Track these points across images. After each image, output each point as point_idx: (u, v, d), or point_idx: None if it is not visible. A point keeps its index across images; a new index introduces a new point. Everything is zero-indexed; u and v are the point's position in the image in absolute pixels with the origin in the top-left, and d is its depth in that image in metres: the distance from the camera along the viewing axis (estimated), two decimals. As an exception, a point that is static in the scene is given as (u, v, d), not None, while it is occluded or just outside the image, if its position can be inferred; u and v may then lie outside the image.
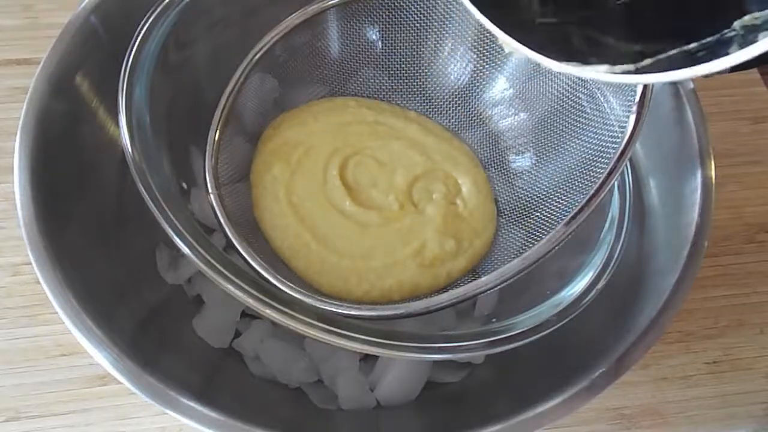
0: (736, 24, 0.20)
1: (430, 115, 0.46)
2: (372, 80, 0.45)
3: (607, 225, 0.34)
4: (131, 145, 0.32)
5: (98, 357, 0.29)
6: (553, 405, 0.29)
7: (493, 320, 0.38)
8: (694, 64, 0.20)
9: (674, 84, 0.36)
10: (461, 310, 0.40)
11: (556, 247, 0.31)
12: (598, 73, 0.22)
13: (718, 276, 0.46)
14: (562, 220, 0.32)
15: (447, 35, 0.43)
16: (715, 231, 0.33)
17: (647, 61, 0.22)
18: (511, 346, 0.29)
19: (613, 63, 0.22)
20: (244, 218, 0.40)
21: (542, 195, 0.39)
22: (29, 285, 0.42)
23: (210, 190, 0.37)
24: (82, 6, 0.36)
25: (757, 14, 0.20)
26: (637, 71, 0.22)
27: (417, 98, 0.45)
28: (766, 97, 0.53)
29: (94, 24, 0.36)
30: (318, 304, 0.31)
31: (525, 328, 0.30)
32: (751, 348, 0.44)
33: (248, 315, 0.39)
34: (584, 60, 0.23)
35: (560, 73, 0.38)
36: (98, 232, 0.35)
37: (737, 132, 0.51)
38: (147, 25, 0.34)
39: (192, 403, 0.28)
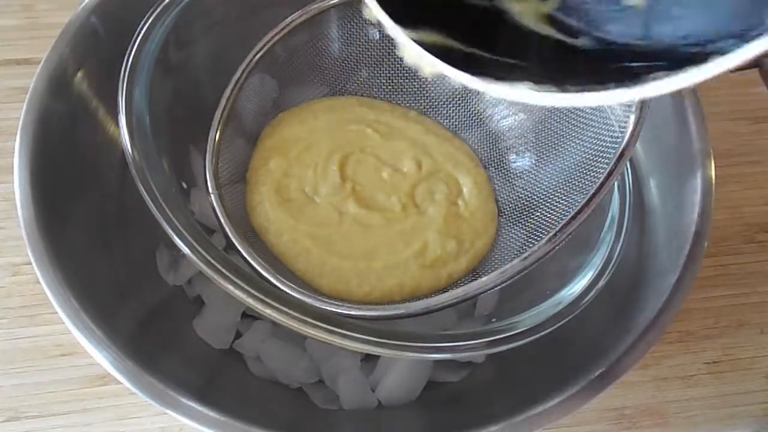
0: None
1: (430, 115, 0.46)
2: (372, 80, 0.45)
3: (606, 225, 0.34)
4: (131, 146, 0.32)
5: (98, 357, 0.29)
6: (553, 405, 0.29)
7: (493, 320, 0.38)
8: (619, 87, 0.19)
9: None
10: (462, 309, 0.40)
11: (557, 247, 0.31)
12: (520, 91, 0.22)
13: (718, 276, 0.46)
14: (562, 220, 0.32)
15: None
16: (715, 231, 0.33)
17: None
18: (511, 345, 0.29)
19: (537, 83, 0.22)
20: (244, 219, 0.40)
21: (542, 195, 0.39)
22: (29, 285, 0.42)
23: (210, 191, 0.37)
24: (82, 6, 0.36)
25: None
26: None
27: (417, 98, 0.45)
28: (766, 97, 0.53)
29: (94, 24, 0.36)
30: (318, 304, 0.31)
31: (525, 328, 0.30)
32: (751, 348, 0.44)
33: (249, 316, 0.39)
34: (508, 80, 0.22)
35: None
36: (98, 233, 0.35)
37: (737, 132, 0.51)
38: (147, 25, 0.34)
39: (192, 403, 0.28)
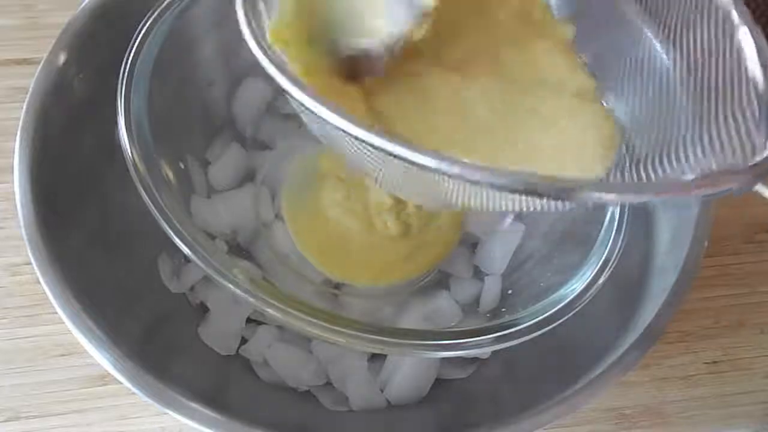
0: None
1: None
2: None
3: (606, 223, 0.34)
4: (131, 148, 0.32)
5: (98, 357, 0.29)
6: (553, 404, 0.29)
7: (488, 315, 0.39)
8: None
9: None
10: (466, 305, 0.41)
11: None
12: None
13: (718, 276, 0.46)
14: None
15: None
16: (715, 231, 0.33)
17: None
18: (519, 341, 0.29)
19: None
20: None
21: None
22: (29, 285, 0.42)
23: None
24: (82, 6, 0.36)
25: None
26: None
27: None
28: (765, 97, 0.53)
29: (94, 24, 0.36)
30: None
31: (529, 323, 0.30)
32: (751, 348, 0.44)
33: (254, 321, 0.39)
34: None
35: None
36: (99, 234, 0.35)
37: (737, 132, 0.51)
38: (147, 25, 0.34)
39: (193, 404, 0.28)
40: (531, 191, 0.20)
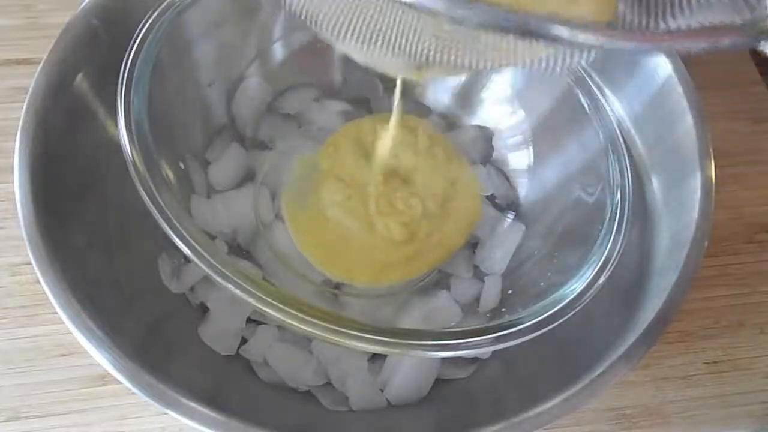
0: None
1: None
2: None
3: (606, 223, 0.34)
4: (130, 147, 0.32)
5: (98, 357, 0.29)
6: (552, 404, 0.29)
7: (488, 315, 0.38)
8: None
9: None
10: (466, 305, 0.41)
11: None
12: None
13: (718, 276, 0.46)
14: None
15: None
16: (715, 231, 0.33)
17: None
18: (519, 341, 0.29)
19: None
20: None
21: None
22: (29, 285, 0.42)
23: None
24: (82, 6, 0.36)
25: None
26: None
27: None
28: (766, 97, 0.53)
29: (94, 24, 0.36)
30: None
31: (529, 323, 0.30)
32: (751, 348, 0.44)
33: (253, 321, 0.39)
34: None
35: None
36: (99, 234, 0.35)
37: (737, 132, 0.51)
38: (147, 25, 0.34)
39: (192, 404, 0.28)
40: (520, 29, 0.18)
